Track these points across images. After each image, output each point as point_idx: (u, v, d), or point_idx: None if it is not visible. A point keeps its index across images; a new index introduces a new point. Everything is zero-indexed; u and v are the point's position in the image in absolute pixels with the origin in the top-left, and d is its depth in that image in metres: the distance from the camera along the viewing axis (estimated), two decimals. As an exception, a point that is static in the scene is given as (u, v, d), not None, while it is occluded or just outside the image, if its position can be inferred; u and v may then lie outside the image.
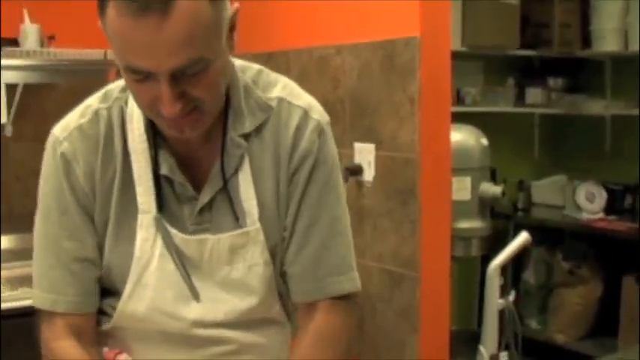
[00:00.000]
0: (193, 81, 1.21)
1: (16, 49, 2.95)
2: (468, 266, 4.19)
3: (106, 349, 1.43)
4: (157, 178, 1.37)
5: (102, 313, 1.43)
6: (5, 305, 2.67)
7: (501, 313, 3.29)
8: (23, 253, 3.06)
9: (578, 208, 4.63)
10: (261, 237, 1.39)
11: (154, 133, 1.36)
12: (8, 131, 3.19)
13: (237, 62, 1.40)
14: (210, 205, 1.38)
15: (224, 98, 1.34)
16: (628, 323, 4.43)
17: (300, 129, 1.40)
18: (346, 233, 1.45)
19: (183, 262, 1.37)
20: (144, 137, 1.36)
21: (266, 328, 1.46)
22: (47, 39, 3.06)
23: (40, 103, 3.29)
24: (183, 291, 1.38)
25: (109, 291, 1.42)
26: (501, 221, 4.48)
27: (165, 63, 1.17)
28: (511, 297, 3.29)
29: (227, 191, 1.38)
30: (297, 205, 1.40)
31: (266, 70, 1.45)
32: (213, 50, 1.21)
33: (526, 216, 4.79)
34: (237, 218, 1.38)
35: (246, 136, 1.38)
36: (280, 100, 1.41)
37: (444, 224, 2.73)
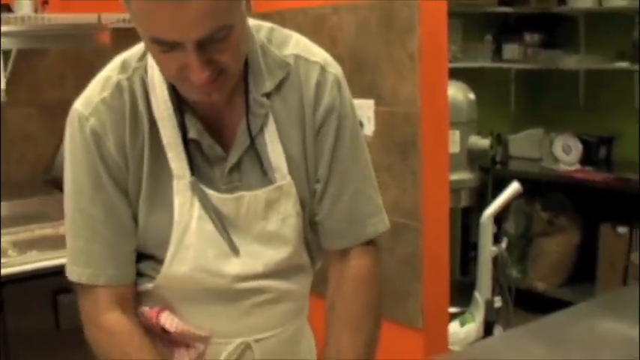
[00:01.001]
0: (219, 47, 1.25)
1: (11, 15, 2.96)
2: (451, 218, 4.28)
3: (146, 309, 1.47)
4: (185, 143, 1.40)
5: (140, 275, 1.47)
6: (15, 269, 2.72)
7: (494, 260, 3.41)
8: (22, 219, 3.12)
9: (555, 159, 4.76)
10: (293, 190, 1.45)
11: (177, 99, 1.39)
12: (3, 97, 3.21)
13: (250, 22, 1.42)
14: (238, 164, 1.43)
15: (244, 59, 1.39)
16: (606, 269, 4.59)
17: (320, 85, 1.45)
18: (373, 175, 1.54)
19: (221, 220, 1.42)
20: (168, 104, 1.39)
21: (297, 275, 1.53)
22: (40, 4, 3.07)
23: (32, 68, 3.31)
24: (223, 248, 1.43)
25: (146, 255, 1.45)
26: (480, 174, 4.60)
27: (192, 33, 1.20)
28: (503, 244, 3.41)
29: (255, 149, 1.43)
30: (329, 159, 1.47)
31: (277, 27, 1.49)
32: (234, 15, 1.25)
33: (504, 169, 4.90)
34: (265, 174, 1.44)
35: (268, 95, 1.43)
36: (297, 57, 1.46)
37: (443, 176, 2.83)
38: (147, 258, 1.45)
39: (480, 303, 3.43)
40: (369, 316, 1.49)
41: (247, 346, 1.48)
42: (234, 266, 1.43)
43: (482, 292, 3.43)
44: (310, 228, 1.52)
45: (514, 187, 3.41)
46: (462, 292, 3.65)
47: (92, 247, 1.41)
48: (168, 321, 1.45)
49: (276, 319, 1.51)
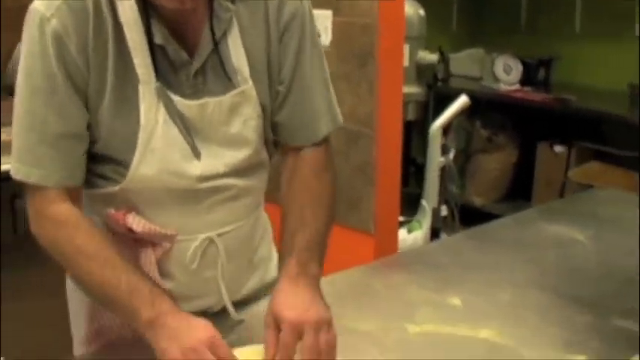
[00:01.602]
0: None
1: None
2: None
3: (112, 211, 1.51)
4: (152, 48, 1.43)
5: (105, 179, 1.50)
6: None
7: (441, 170, 3.52)
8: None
9: (496, 79, 4.88)
10: (254, 93, 1.52)
11: (143, 4, 1.41)
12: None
13: None
14: (203, 69, 1.47)
15: None
16: (542, 186, 4.76)
17: None
18: (329, 78, 1.63)
19: (185, 125, 1.47)
20: (135, 8, 1.41)
21: (256, 172, 1.60)
22: None
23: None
24: (187, 152, 1.48)
25: (111, 159, 1.48)
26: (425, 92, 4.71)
27: None
28: (451, 155, 3.52)
29: (218, 54, 1.48)
30: (293, 63, 1.55)
31: None
32: None
33: (445, 86, 4.99)
34: (229, 79, 1.50)
35: (233, 1, 1.48)
36: None
37: (397, 86, 2.92)
38: (111, 162, 1.47)
39: (427, 211, 3.56)
40: (327, 195, 1.57)
41: (211, 241, 1.55)
42: (197, 168, 1.49)
43: (429, 201, 3.55)
44: (272, 128, 1.60)
45: (462, 99, 3.51)
46: (404, 203, 3.77)
47: (40, 149, 1.41)
48: (135, 222, 1.49)
49: (237, 213, 1.59)
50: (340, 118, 1.64)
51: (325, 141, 1.61)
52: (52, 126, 1.40)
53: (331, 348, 1.36)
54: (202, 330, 1.33)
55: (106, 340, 1.61)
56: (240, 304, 1.67)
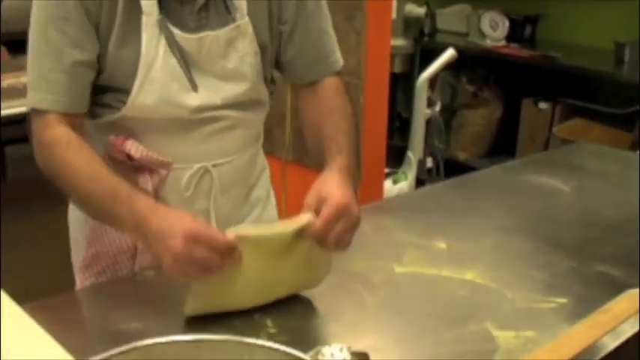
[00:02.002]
0: None
1: None
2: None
3: (112, 137, 1.57)
4: None
5: (106, 107, 1.57)
6: None
7: (427, 123, 3.55)
8: None
9: (482, 35, 4.90)
10: (250, 29, 1.58)
11: None
12: None
13: None
14: (207, 4, 1.54)
15: None
16: (526, 142, 4.80)
17: None
18: (330, 17, 1.70)
19: (184, 58, 1.53)
20: None
21: (254, 107, 1.66)
22: None
23: None
24: (185, 84, 1.54)
25: (113, 87, 1.54)
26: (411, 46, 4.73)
27: None
28: (437, 107, 3.55)
29: None
30: (296, 3, 1.62)
31: None
32: None
33: (432, 41, 5.02)
34: (230, 15, 1.56)
35: None
36: None
37: (385, 38, 2.94)
38: (114, 91, 1.54)
39: (412, 163, 3.59)
40: (350, 111, 1.65)
41: (206, 171, 1.62)
42: (194, 99, 1.55)
43: (414, 153, 3.58)
44: (276, 67, 1.67)
45: (450, 52, 3.53)
46: (389, 155, 3.80)
47: (53, 75, 1.47)
48: (133, 148, 1.55)
49: (233, 145, 1.65)
50: (342, 60, 1.71)
51: (337, 76, 1.68)
52: (65, 53, 1.47)
53: (348, 245, 1.41)
54: (179, 224, 1.29)
55: (102, 265, 1.66)
56: None
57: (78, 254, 1.71)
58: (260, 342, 1.07)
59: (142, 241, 1.42)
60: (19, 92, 2.89)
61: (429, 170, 3.69)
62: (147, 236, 1.33)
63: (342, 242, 1.39)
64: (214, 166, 1.62)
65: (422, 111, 3.54)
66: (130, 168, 1.57)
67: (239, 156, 1.67)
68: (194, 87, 1.54)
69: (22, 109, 2.74)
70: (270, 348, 1.06)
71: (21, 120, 2.76)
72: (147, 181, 1.58)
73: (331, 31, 1.69)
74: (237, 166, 1.67)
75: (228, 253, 1.29)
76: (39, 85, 1.49)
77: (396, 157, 3.96)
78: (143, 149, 1.55)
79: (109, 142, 1.57)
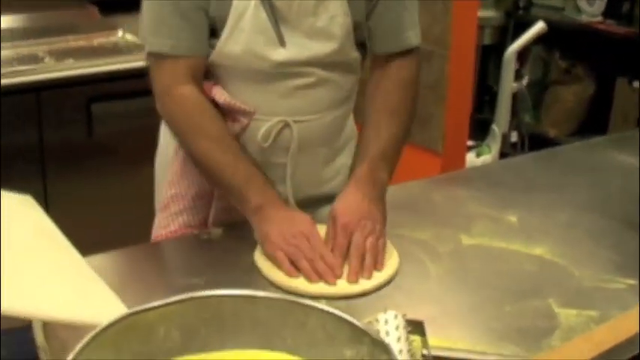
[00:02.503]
0: None
1: None
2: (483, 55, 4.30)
3: (204, 82, 1.61)
4: None
5: None
6: (51, 75, 2.80)
7: (514, 97, 3.49)
8: (55, 30, 3.16)
9: (578, 10, 4.76)
10: None
11: None
12: None
13: None
14: None
15: None
16: (618, 121, 4.66)
17: None
18: None
19: (274, 13, 1.55)
20: None
21: (342, 69, 1.66)
22: None
23: None
24: (273, 38, 1.56)
25: (212, 32, 1.58)
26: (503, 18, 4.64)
27: None
28: (524, 81, 3.48)
29: None
30: None
31: None
32: None
33: (526, 14, 4.89)
34: None
35: None
36: None
37: (472, 6, 2.90)
38: (210, 36, 1.58)
39: (497, 136, 3.54)
40: (406, 108, 1.67)
41: (286, 125, 1.63)
42: (280, 54, 1.57)
43: (500, 126, 3.53)
44: (367, 35, 1.66)
45: (539, 25, 3.45)
46: (476, 128, 3.76)
47: (173, 20, 1.53)
48: (219, 93, 1.60)
49: (316, 104, 1.65)
50: (420, 38, 1.71)
51: (414, 55, 1.69)
52: None
53: (376, 251, 1.47)
54: (303, 222, 1.50)
55: (179, 207, 1.71)
56: (312, 203, 1.72)
57: (159, 196, 1.78)
58: (313, 304, 1.08)
59: (254, 219, 1.52)
60: (109, 51, 2.95)
61: (514, 144, 3.63)
62: (265, 216, 1.50)
63: (369, 249, 1.47)
64: (295, 122, 1.63)
65: (508, 84, 3.48)
66: None
67: (322, 116, 1.67)
68: (282, 42, 1.56)
69: (109, 68, 2.82)
70: (322, 311, 1.07)
71: (107, 78, 2.83)
72: (229, 129, 1.62)
73: (414, 10, 1.68)
74: (320, 126, 1.67)
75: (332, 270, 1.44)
76: (158, 29, 1.55)
77: (483, 131, 3.91)
78: (227, 96, 1.59)
79: None
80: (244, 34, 1.55)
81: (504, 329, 1.33)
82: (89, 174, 2.94)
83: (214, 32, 1.57)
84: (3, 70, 2.74)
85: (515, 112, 3.56)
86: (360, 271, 1.44)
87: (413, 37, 1.69)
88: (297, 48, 1.58)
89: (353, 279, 1.43)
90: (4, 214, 1.30)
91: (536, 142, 4.00)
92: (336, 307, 1.32)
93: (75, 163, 2.91)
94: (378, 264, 1.46)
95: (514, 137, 3.59)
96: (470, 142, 3.56)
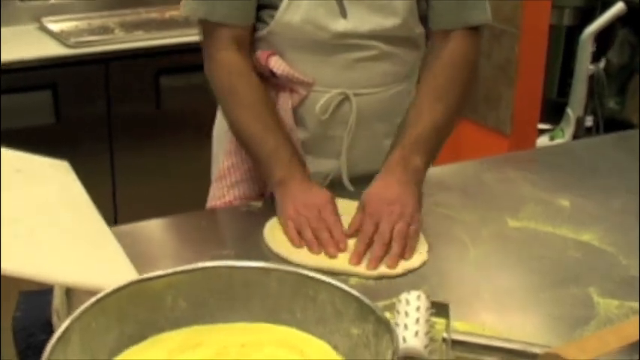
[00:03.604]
0: None
1: None
2: (553, 35, 4.18)
3: (258, 52, 1.60)
4: None
5: (259, 21, 1.59)
6: (121, 46, 2.82)
7: (590, 80, 3.38)
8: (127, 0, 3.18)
9: (671, -8, 4.57)
10: None
11: None
12: None
13: None
14: None
15: None
16: None
17: None
18: None
19: None
20: None
21: (405, 44, 1.62)
22: None
23: None
24: (334, 8, 1.53)
25: (268, 2, 1.56)
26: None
27: None
28: (601, 64, 3.36)
29: None
30: None
31: None
32: None
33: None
34: None
35: None
36: None
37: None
38: (266, 6, 1.57)
39: (571, 119, 3.44)
40: (453, 92, 1.59)
41: (345, 98, 1.60)
42: (340, 25, 1.54)
43: (574, 109, 3.43)
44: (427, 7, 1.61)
45: (618, 6, 3.33)
46: (556, 112, 3.64)
47: None
48: (277, 64, 1.57)
49: (377, 77, 1.62)
50: (489, 14, 1.63)
51: (475, 35, 1.62)
52: None
53: (404, 239, 1.40)
54: (319, 195, 1.48)
55: (234, 179, 1.70)
56: (368, 180, 1.65)
57: (215, 166, 1.77)
58: (323, 278, 1.04)
59: (276, 192, 1.51)
60: (179, 24, 2.96)
61: (589, 129, 3.52)
62: (285, 190, 1.49)
63: (395, 235, 1.40)
64: (355, 95, 1.60)
65: (585, 65, 3.36)
66: (272, 85, 1.61)
67: (383, 90, 1.63)
68: (343, 13, 1.54)
69: (178, 40, 2.83)
70: (332, 286, 1.03)
71: (176, 51, 2.84)
72: (287, 100, 1.60)
73: None
74: (380, 100, 1.63)
75: (336, 242, 1.41)
76: None
77: (561, 114, 3.79)
78: (286, 66, 1.57)
79: (255, 56, 1.59)
80: (304, 4, 1.52)
81: (538, 316, 1.27)
82: (156, 146, 2.97)
83: (274, 3, 1.55)
84: (73, 40, 2.77)
85: (591, 96, 3.44)
86: (381, 258, 1.38)
87: (477, 14, 1.61)
88: (358, 20, 1.55)
89: (372, 267, 1.37)
90: (33, 176, 1.30)
91: (614, 127, 3.85)
92: (366, 286, 1.30)
93: (142, 135, 2.94)
94: (406, 253, 1.40)
95: (589, 121, 3.47)
96: (546, 126, 3.46)
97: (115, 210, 2.92)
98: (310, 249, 1.41)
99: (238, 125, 1.57)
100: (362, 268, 1.37)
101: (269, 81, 1.60)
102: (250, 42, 1.59)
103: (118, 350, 1.00)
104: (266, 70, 1.59)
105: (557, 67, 4.36)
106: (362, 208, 1.46)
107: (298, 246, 1.42)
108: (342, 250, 1.40)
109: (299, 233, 1.43)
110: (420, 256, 1.41)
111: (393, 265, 1.37)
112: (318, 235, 1.42)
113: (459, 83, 1.60)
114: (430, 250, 1.44)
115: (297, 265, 1.26)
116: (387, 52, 1.59)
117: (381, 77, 1.62)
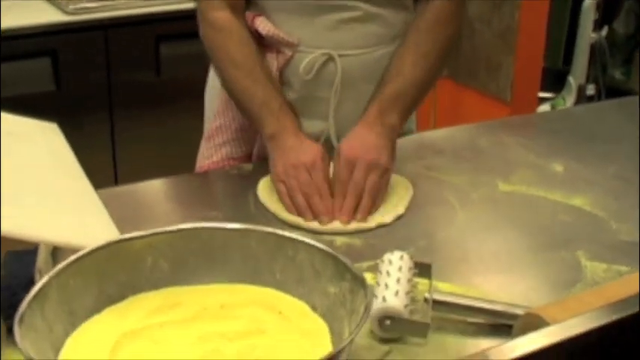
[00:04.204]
0: None
1: None
2: (558, 5, 4.14)
3: (246, 13, 1.59)
4: None
5: None
6: (120, 13, 2.80)
7: (592, 48, 3.35)
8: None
9: (679, -40, 4.53)
10: None
11: None
12: None
13: None
14: None
15: None
16: None
17: None
18: None
19: None
20: None
21: (391, 5, 1.61)
22: None
23: None
24: None
25: None
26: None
27: None
28: (603, 32, 3.33)
29: None
30: None
31: None
32: None
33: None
34: None
35: None
36: None
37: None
38: None
39: (572, 87, 3.41)
40: (435, 49, 1.57)
41: (330, 58, 1.59)
42: None
43: (576, 78, 3.40)
44: None
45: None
46: (559, 80, 3.62)
47: None
48: (262, 24, 1.57)
49: (362, 39, 1.60)
50: None
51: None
52: None
53: (375, 190, 1.42)
54: (309, 152, 1.46)
55: (223, 139, 1.70)
56: None
57: (206, 126, 1.77)
58: (302, 238, 1.04)
59: (269, 146, 1.51)
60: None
61: (591, 97, 3.49)
62: (276, 145, 1.48)
63: (368, 188, 1.42)
64: (340, 55, 1.59)
65: (587, 33, 3.33)
66: (259, 46, 1.60)
67: (369, 51, 1.62)
68: None
69: (176, 7, 2.81)
70: (310, 246, 1.03)
71: (177, 17, 2.82)
72: (273, 60, 1.60)
73: None
74: (366, 62, 1.62)
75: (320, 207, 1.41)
76: None
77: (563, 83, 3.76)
78: (271, 27, 1.57)
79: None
80: None
81: (524, 279, 1.26)
82: (156, 113, 2.96)
83: None
84: (72, 7, 2.76)
85: (594, 64, 3.41)
86: (354, 209, 1.40)
87: None
88: None
89: (344, 219, 1.39)
90: (22, 138, 1.29)
91: (616, 95, 3.82)
92: (352, 247, 1.30)
93: (142, 102, 2.93)
94: (374, 205, 1.42)
95: (591, 90, 3.44)
96: (548, 94, 3.44)
97: (116, 176, 2.92)
98: (302, 216, 1.41)
99: (230, 83, 1.57)
100: (336, 224, 1.38)
101: (256, 42, 1.60)
102: (242, 4, 1.58)
103: (97, 310, 1.00)
104: (252, 31, 1.58)
105: (562, 36, 4.34)
106: (337, 157, 1.46)
107: (292, 212, 1.42)
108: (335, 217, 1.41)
109: (290, 198, 1.43)
110: (394, 210, 1.42)
111: (363, 218, 1.39)
112: (309, 199, 1.42)
113: (442, 40, 1.59)
114: (418, 212, 1.43)
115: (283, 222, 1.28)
116: (373, 13, 1.58)
117: (367, 39, 1.60)
